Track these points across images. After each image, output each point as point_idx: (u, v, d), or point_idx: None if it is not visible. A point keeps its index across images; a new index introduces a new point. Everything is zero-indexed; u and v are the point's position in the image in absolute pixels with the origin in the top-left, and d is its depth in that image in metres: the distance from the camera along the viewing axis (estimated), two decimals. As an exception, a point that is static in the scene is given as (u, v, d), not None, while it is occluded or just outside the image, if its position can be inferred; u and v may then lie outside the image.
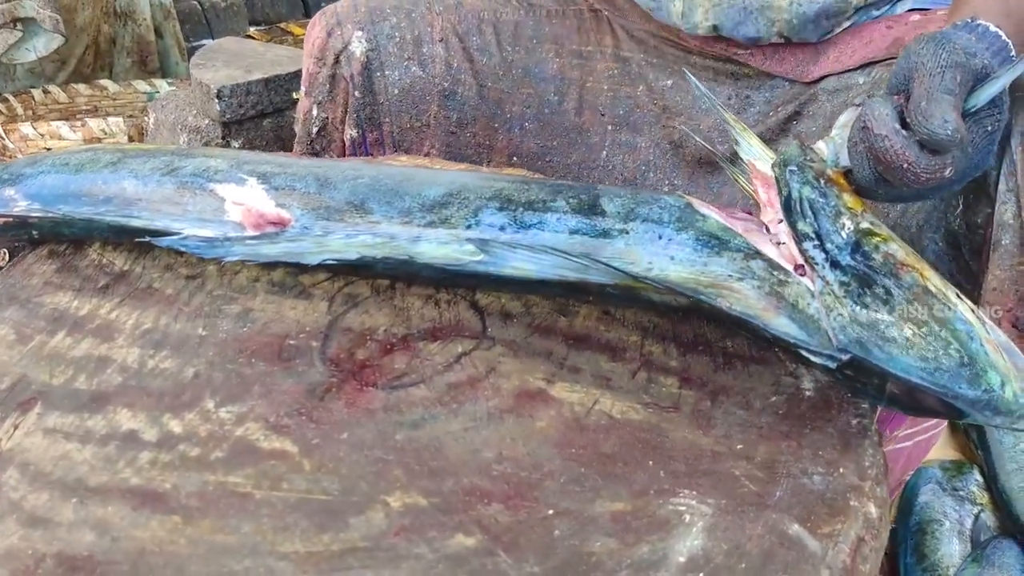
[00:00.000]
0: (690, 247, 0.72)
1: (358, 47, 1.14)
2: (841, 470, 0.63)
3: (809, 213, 0.73)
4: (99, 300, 0.78)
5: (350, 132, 1.17)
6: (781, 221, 0.76)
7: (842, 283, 0.70)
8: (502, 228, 0.75)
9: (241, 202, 0.82)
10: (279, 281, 0.80)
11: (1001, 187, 0.85)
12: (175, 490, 0.60)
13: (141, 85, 2.20)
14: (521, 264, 0.73)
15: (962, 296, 0.71)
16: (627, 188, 0.82)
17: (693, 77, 0.89)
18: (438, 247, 0.75)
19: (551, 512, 0.59)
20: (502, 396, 0.68)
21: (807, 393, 0.71)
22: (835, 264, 0.71)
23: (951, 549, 1.28)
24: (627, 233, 0.74)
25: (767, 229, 0.84)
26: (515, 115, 1.16)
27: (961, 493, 1.37)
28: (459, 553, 0.55)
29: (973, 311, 0.70)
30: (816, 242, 0.72)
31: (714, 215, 0.74)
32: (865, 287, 0.70)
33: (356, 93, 1.15)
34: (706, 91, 0.85)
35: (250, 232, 0.79)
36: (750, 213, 0.85)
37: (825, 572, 0.56)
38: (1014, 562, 1.24)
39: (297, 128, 1.23)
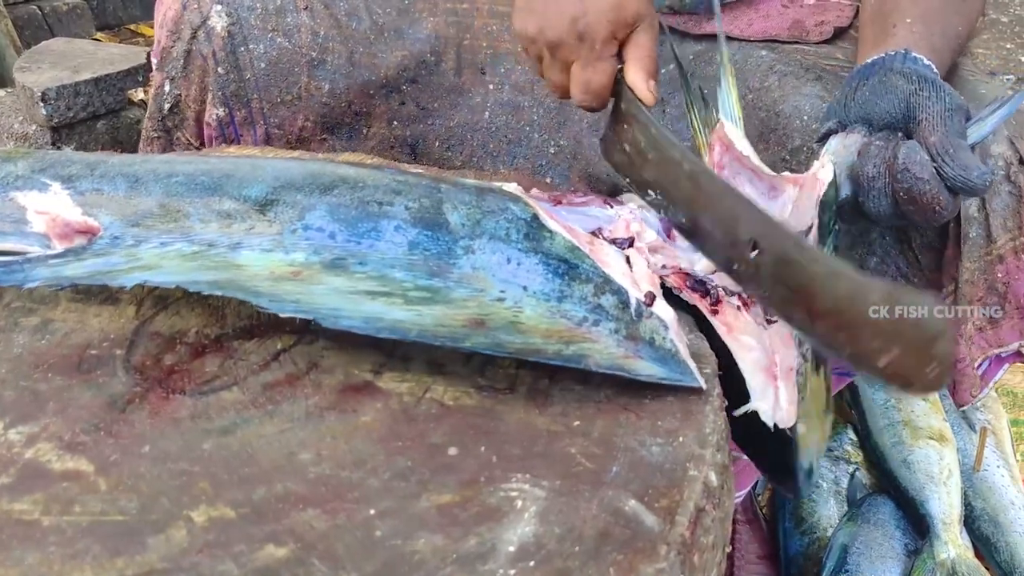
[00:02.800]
0: (541, 275, 0.69)
1: (218, 22, 1.07)
2: (681, 439, 0.61)
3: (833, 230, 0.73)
4: None
5: (216, 111, 1.10)
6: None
7: None
8: (332, 235, 0.70)
9: (45, 210, 0.75)
10: (84, 288, 0.73)
11: None
12: (-47, 525, 0.54)
13: (-23, 96, 2.07)
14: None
15: None
16: (473, 188, 0.76)
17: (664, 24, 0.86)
18: (261, 255, 0.70)
19: (372, 512, 0.54)
20: (323, 393, 0.63)
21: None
22: None
23: (828, 510, 1.28)
24: (473, 252, 0.70)
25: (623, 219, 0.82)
26: (391, 79, 1.10)
27: (836, 453, 1.38)
28: (268, 565, 0.51)
29: None
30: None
31: (560, 231, 0.71)
32: None
33: (219, 69, 1.08)
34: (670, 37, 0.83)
35: (55, 248, 0.72)
36: (586, 193, 0.83)
37: (663, 548, 0.53)
38: (888, 518, 1.25)
39: (149, 104, 1.15)
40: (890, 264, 0.91)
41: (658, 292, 0.70)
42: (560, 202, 0.82)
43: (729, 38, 1.04)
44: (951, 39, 0.88)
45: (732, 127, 0.80)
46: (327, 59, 1.08)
